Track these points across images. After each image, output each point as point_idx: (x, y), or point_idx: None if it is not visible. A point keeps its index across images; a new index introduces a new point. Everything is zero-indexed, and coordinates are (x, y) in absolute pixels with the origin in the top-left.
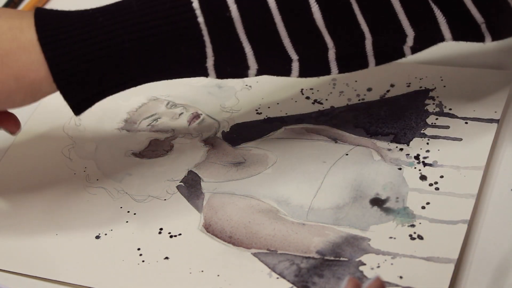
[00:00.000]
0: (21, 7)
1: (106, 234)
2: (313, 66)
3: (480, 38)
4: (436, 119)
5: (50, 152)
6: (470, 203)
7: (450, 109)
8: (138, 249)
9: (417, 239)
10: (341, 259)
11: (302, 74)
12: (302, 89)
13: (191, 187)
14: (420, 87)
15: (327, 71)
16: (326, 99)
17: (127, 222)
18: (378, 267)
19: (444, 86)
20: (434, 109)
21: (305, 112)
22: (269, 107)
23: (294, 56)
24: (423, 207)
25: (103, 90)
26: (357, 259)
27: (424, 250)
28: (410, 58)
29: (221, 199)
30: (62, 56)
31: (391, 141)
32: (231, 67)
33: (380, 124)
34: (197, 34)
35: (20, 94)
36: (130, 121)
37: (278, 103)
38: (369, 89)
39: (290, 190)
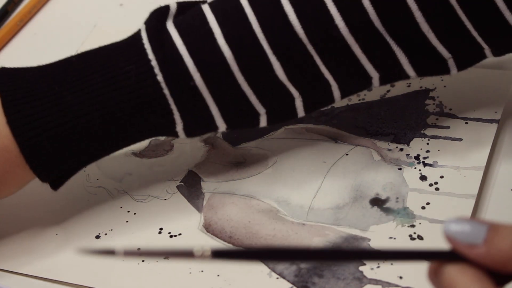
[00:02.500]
0: (21, 7)
1: (106, 234)
2: (281, 115)
3: (445, 72)
4: (436, 119)
5: None
6: (470, 203)
7: (450, 109)
8: (138, 249)
9: (417, 239)
10: None
11: (270, 123)
12: None
13: (191, 187)
14: (420, 87)
15: (294, 116)
16: None
17: (127, 222)
18: (378, 267)
19: (444, 86)
20: (434, 109)
21: None
22: None
23: (261, 110)
24: (423, 207)
25: (76, 165)
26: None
27: None
28: None
29: (221, 199)
30: (33, 139)
31: (391, 141)
32: (200, 129)
33: (380, 124)
34: (164, 104)
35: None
36: None
37: None
38: (369, 89)
39: (290, 190)
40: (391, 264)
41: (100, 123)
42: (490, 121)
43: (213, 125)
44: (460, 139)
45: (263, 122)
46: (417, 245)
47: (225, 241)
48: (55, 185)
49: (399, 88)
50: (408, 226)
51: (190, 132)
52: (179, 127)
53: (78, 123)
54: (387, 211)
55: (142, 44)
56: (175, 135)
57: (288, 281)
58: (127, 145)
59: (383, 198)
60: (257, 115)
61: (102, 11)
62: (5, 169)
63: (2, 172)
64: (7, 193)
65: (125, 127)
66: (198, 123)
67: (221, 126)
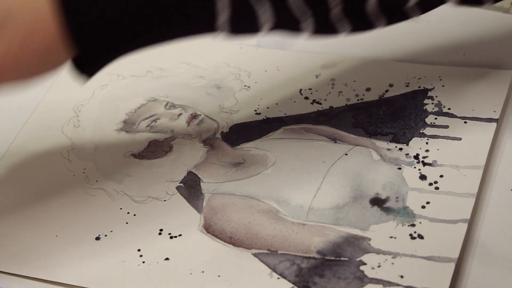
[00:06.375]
0: None
1: (106, 236)
2: (324, 24)
3: (481, 0)
4: (435, 118)
5: (49, 154)
6: (470, 202)
7: (449, 109)
8: (138, 250)
9: (418, 239)
10: (342, 259)
11: (315, 32)
12: (300, 89)
13: (190, 188)
14: (419, 87)
15: (339, 30)
16: (325, 99)
17: (127, 223)
18: (379, 266)
19: (443, 86)
20: (433, 108)
21: (304, 112)
22: (268, 108)
23: (307, 10)
24: (423, 207)
25: (114, 46)
26: (358, 259)
27: (425, 249)
28: (408, 58)
29: (221, 200)
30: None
31: (391, 141)
32: (244, 23)
33: (379, 124)
34: None
35: (32, 58)
36: (129, 122)
37: (277, 103)
38: (368, 89)
39: (290, 190)
40: (392, 263)
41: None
42: (489, 120)
43: (260, 18)
44: (459, 138)
45: (309, 27)
46: (418, 244)
47: (226, 242)
48: (90, 69)
49: (398, 88)
50: (408, 226)
51: (234, 25)
52: (223, 17)
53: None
54: (387, 210)
55: None
56: (216, 30)
57: (289, 281)
58: (164, 39)
59: (383, 198)
60: (298, 21)
61: None
62: (36, 27)
63: (32, 30)
64: (33, 62)
65: (167, 8)
66: (243, 15)
67: (266, 22)
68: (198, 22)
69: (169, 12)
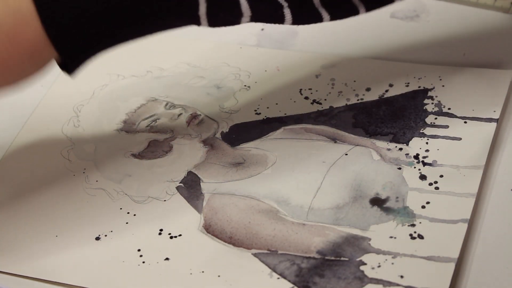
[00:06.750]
0: None
1: (106, 236)
2: (304, 12)
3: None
4: (435, 118)
5: (49, 154)
6: (470, 202)
7: (449, 109)
8: (138, 250)
9: (418, 239)
10: (342, 259)
11: (296, 21)
12: (300, 89)
13: (190, 188)
14: (419, 86)
15: (319, 17)
16: (325, 99)
17: (127, 223)
18: (379, 266)
19: (443, 86)
20: (433, 108)
21: (304, 112)
22: (268, 108)
23: (283, 2)
24: (423, 207)
25: (95, 42)
26: (358, 259)
27: (425, 249)
28: (408, 58)
29: (221, 200)
30: (54, 6)
31: (390, 141)
32: (224, 13)
33: (379, 124)
34: None
35: (18, 59)
36: (129, 122)
37: (277, 103)
38: (368, 89)
39: (290, 190)
40: (392, 263)
41: None
42: (489, 120)
43: (237, 9)
44: (459, 138)
45: (288, 17)
46: (418, 244)
47: (226, 242)
48: (72, 65)
49: (398, 87)
50: (408, 226)
51: (212, 17)
52: (202, 9)
53: None
54: (387, 210)
55: None
56: (197, 20)
57: (289, 281)
58: (147, 30)
59: (383, 198)
60: (280, 6)
61: None
62: (17, 31)
63: (13, 33)
64: (18, 64)
65: (149, 1)
66: (222, 5)
67: (246, 12)
68: (179, 14)
69: (149, 6)
